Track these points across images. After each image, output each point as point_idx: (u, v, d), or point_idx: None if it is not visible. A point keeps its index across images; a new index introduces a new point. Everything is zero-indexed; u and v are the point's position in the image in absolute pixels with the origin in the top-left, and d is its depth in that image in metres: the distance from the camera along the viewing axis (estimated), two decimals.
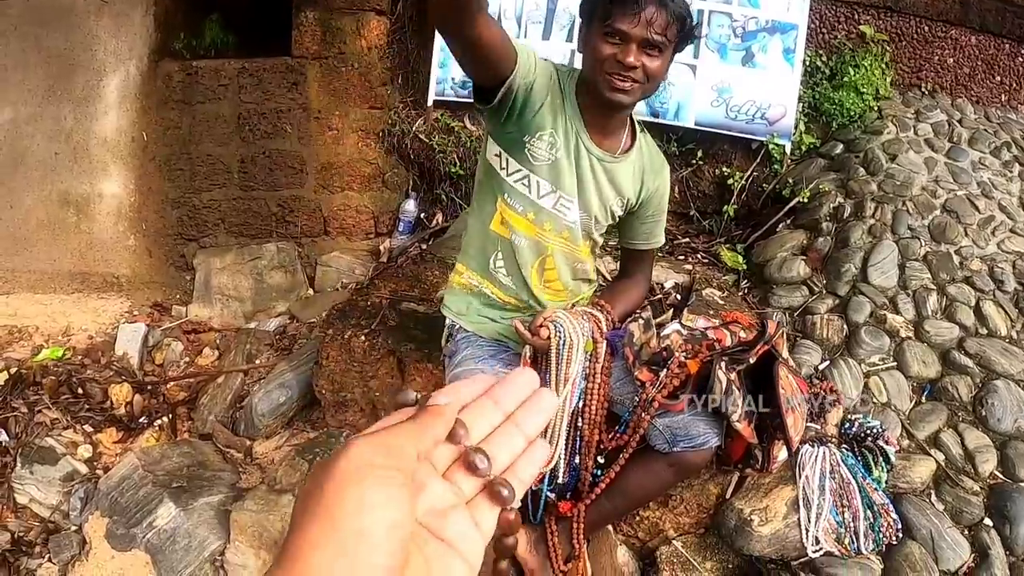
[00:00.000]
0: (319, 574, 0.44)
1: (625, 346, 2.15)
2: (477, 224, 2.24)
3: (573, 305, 2.27)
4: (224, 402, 3.29)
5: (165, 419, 3.29)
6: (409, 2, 4.24)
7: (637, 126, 2.20)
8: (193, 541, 2.54)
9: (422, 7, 4.25)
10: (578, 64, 2.12)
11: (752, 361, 2.16)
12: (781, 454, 2.22)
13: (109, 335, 3.78)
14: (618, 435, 2.15)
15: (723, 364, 2.08)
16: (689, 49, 3.84)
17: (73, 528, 2.76)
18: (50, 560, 2.64)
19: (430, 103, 4.19)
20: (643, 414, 2.08)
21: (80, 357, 3.61)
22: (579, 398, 2.13)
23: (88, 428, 3.19)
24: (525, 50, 1.89)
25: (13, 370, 3.34)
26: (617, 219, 2.26)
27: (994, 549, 2.46)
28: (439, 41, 4.13)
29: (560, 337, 2.05)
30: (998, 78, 4.45)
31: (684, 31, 1.95)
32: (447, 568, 0.51)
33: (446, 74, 4.17)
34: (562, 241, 2.17)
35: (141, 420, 3.29)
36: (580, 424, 2.14)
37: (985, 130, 4.22)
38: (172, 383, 3.50)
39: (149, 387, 3.46)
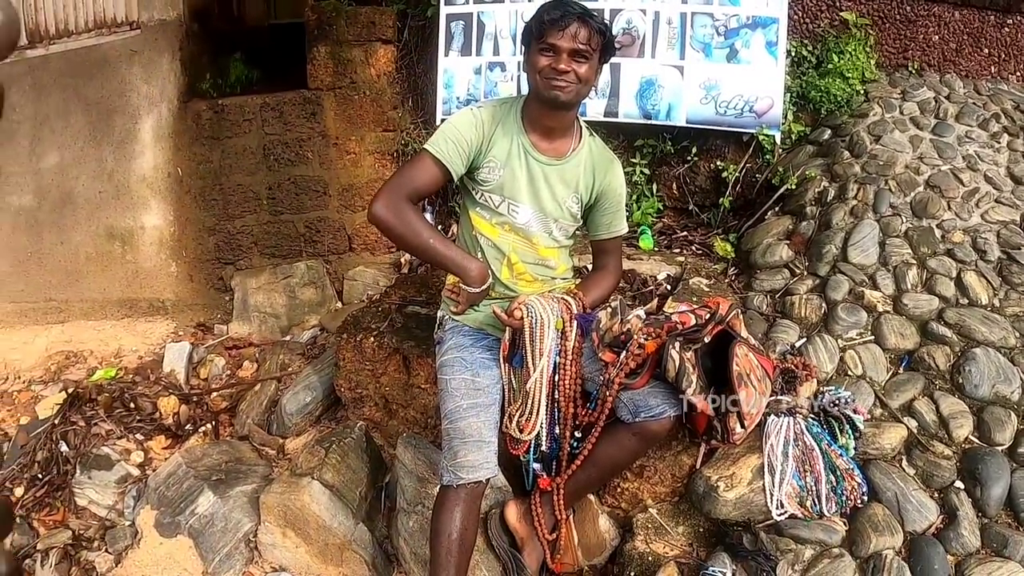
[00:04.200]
0: None
1: (593, 331, 2.42)
2: (462, 231, 2.61)
3: (549, 292, 2.55)
4: (260, 407, 3.62)
5: (209, 426, 3.64)
6: (414, 30, 4.53)
7: (585, 131, 2.53)
8: (229, 524, 2.89)
9: (425, 34, 4.55)
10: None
11: (707, 340, 2.39)
12: (739, 427, 2.43)
13: (157, 354, 4.15)
14: (589, 412, 2.42)
15: (677, 344, 2.31)
16: (675, 50, 4.11)
17: (127, 523, 3.11)
18: (106, 551, 3.00)
19: (438, 121, 4.47)
20: (607, 391, 2.35)
21: (131, 375, 3.98)
22: (554, 372, 2.40)
23: (139, 437, 3.55)
24: (446, 153, 2.36)
25: (71, 390, 3.72)
26: (578, 217, 2.57)
27: (963, 510, 2.52)
28: (442, 63, 4.43)
29: (532, 317, 2.34)
30: (985, 50, 4.54)
31: (605, 42, 2.33)
32: None
33: (451, 94, 4.46)
34: (517, 239, 2.50)
35: (187, 427, 3.65)
36: (557, 397, 2.41)
37: (973, 103, 4.31)
38: (215, 394, 3.85)
39: (194, 398, 3.81)
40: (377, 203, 2.30)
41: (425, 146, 2.38)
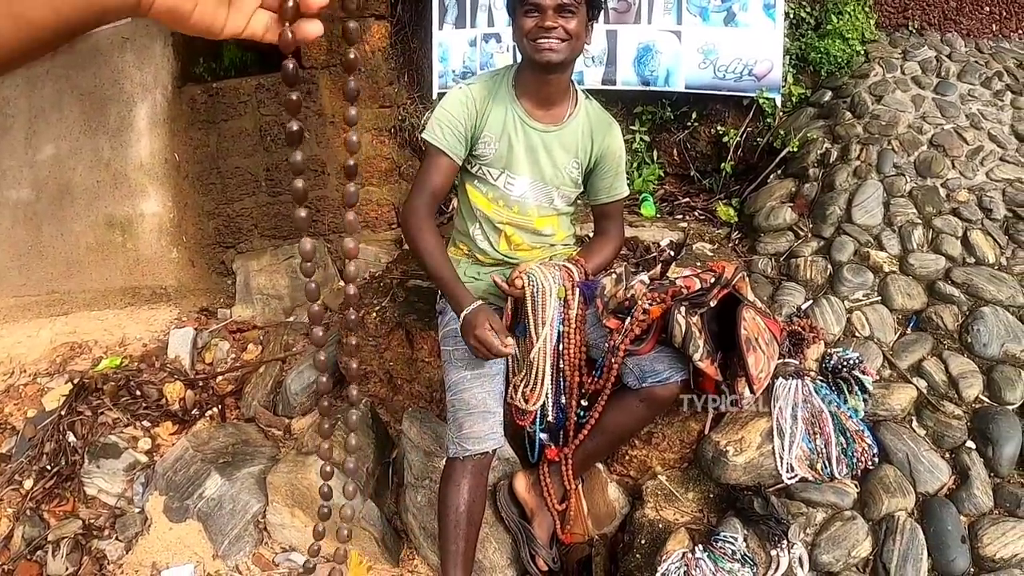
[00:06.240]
0: None
1: (597, 297, 2.39)
2: (461, 204, 2.58)
3: (551, 259, 2.53)
4: (265, 388, 3.61)
5: (215, 409, 3.63)
6: (407, 4, 4.49)
7: (580, 94, 2.49)
8: (237, 505, 2.88)
9: (418, 8, 4.50)
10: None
11: (712, 304, 2.36)
12: (748, 391, 2.40)
13: (161, 341, 4.13)
14: (595, 380, 2.40)
15: (682, 309, 2.28)
16: (672, 15, 4.06)
17: (137, 510, 3.11)
18: (117, 539, 2.99)
19: (434, 96, 4.44)
20: (612, 358, 2.32)
21: (136, 363, 3.95)
22: (558, 341, 2.38)
23: (146, 424, 3.53)
24: (448, 142, 2.34)
25: (76, 380, 3.70)
26: (579, 183, 2.53)
27: (974, 470, 2.50)
28: (437, 37, 4.39)
29: (534, 286, 2.32)
30: (987, 8, 4.49)
31: None
32: None
33: (446, 67, 4.42)
34: (512, 214, 2.48)
35: (193, 412, 3.63)
36: (562, 366, 2.40)
37: (976, 62, 4.27)
38: (220, 377, 3.83)
39: (200, 383, 3.80)
40: (408, 219, 2.35)
41: (424, 136, 2.37)
